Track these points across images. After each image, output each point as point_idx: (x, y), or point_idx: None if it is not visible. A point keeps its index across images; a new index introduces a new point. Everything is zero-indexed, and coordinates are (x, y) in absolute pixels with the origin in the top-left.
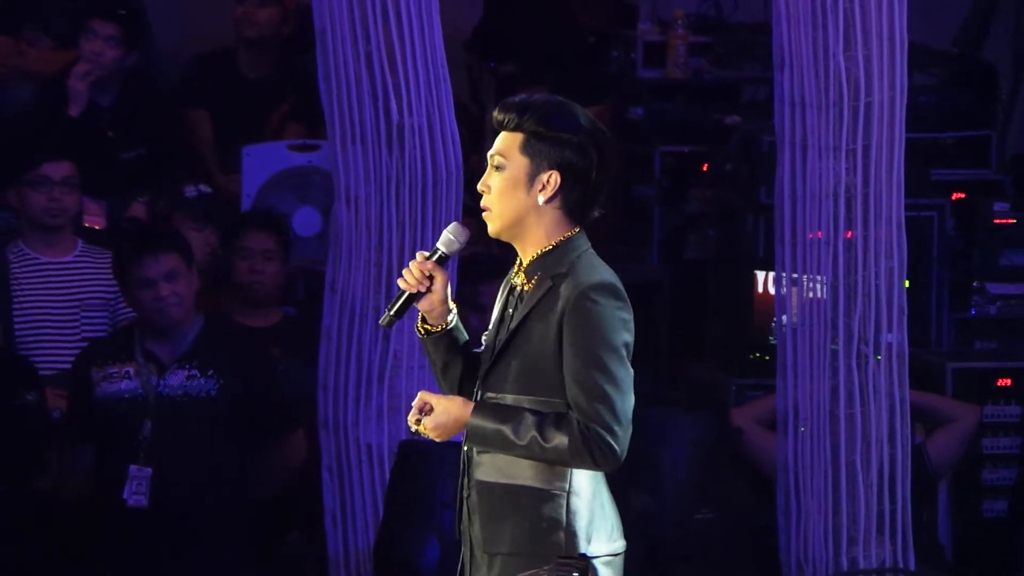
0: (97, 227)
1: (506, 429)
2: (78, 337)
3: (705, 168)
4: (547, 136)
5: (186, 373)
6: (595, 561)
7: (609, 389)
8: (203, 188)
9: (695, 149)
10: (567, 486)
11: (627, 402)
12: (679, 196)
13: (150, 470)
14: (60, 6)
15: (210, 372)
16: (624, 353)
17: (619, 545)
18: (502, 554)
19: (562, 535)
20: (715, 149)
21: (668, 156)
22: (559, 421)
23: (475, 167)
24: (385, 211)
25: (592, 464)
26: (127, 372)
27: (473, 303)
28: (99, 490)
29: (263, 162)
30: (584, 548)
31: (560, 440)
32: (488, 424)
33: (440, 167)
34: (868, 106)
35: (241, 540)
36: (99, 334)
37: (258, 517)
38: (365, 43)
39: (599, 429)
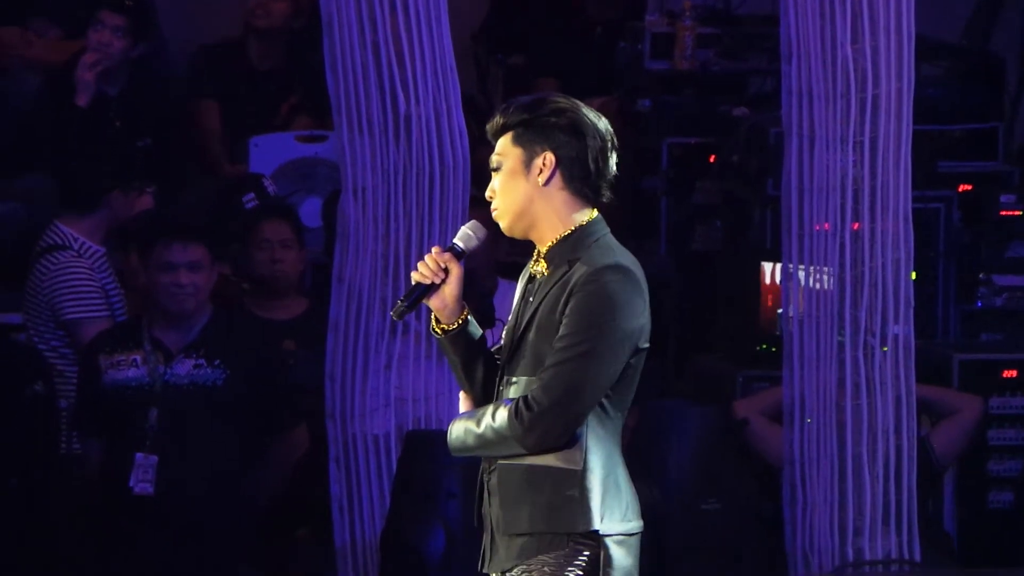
0: None
1: (470, 423)
2: None
3: (712, 160)
4: (533, 123)
5: (193, 362)
6: (607, 540)
7: (569, 365)
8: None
9: (702, 141)
10: (581, 464)
11: (580, 381)
12: (686, 188)
13: (156, 458)
14: None
15: (217, 362)
16: (616, 334)
17: (633, 525)
18: (521, 535)
19: (575, 512)
20: (722, 141)
21: (675, 148)
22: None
23: (482, 159)
24: (392, 202)
25: (515, 440)
26: (134, 360)
27: None
28: (106, 477)
29: (270, 153)
30: (596, 525)
31: (501, 413)
32: (456, 425)
33: (447, 158)
34: (875, 98)
35: (247, 527)
36: None
37: (264, 505)
38: (372, 33)
39: (528, 399)
